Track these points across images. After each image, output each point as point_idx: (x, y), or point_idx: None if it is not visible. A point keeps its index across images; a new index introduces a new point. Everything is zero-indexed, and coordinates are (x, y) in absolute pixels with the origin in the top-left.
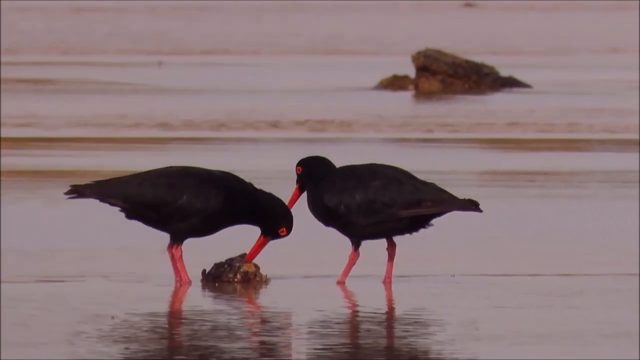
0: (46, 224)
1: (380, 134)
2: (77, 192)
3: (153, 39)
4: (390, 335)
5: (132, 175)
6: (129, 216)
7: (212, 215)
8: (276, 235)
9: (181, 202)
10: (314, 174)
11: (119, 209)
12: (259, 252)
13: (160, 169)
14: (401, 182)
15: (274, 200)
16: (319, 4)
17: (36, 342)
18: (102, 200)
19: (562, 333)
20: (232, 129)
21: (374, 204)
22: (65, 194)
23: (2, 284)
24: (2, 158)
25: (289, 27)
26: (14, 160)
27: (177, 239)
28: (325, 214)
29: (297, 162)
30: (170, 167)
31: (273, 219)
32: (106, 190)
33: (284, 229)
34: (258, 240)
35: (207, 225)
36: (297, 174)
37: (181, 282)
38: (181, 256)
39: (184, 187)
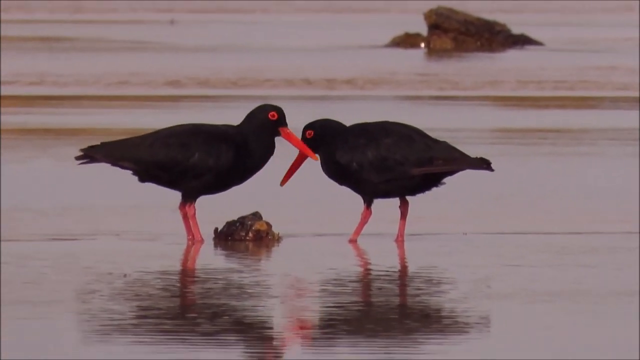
0: (57, 183)
1: (392, 91)
2: (88, 156)
3: None
4: (402, 293)
5: (142, 136)
6: (142, 179)
7: (224, 171)
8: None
9: (193, 160)
10: (327, 135)
11: (131, 172)
12: (303, 146)
13: (169, 128)
14: (413, 140)
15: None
16: None
17: (48, 300)
18: (114, 164)
19: (574, 291)
20: (243, 87)
21: (386, 161)
22: (76, 158)
23: (13, 243)
24: (13, 117)
25: None
26: (25, 118)
27: (190, 197)
28: (338, 172)
29: (304, 126)
30: (180, 125)
31: (254, 113)
32: (117, 153)
33: (273, 113)
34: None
35: (220, 182)
36: (306, 138)
37: (193, 240)
38: (194, 214)
39: (195, 145)
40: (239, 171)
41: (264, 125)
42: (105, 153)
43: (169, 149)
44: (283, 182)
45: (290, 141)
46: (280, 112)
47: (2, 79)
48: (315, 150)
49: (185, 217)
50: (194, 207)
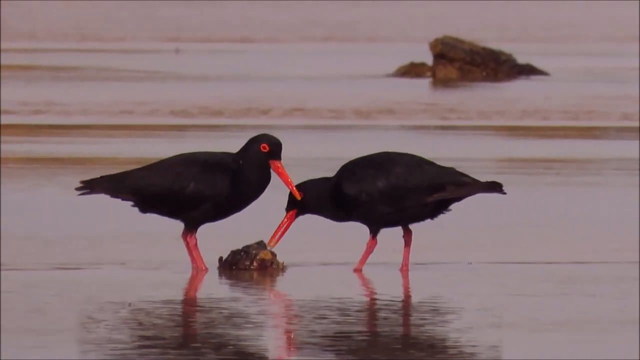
0: (62, 211)
1: (397, 121)
2: (88, 187)
3: (171, 25)
4: (407, 323)
5: (140, 168)
6: (142, 210)
7: (221, 200)
8: (293, 204)
9: (189, 190)
10: (314, 195)
11: (131, 203)
12: (290, 182)
13: (166, 159)
14: (422, 167)
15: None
16: None
17: (52, 329)
18: (113, 195)
19: (578, 320)
20: (249, 116)
21: (398, 190)
22: (76, 189)
23: (18, 271)
24: (19, 145)
25: (307, 14)
26: (31, 147)
27: (190, 227)
28: (345, 206)
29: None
30: (176, 155)
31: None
32: (115, 185)
33: (265, 145)
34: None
35: (219, 210)
36: (295, 200)
37: (197, 269)
38: (196, 244)
39: (191, 175)
40: (236, 199)
41: (257, 156)
42: (105, 185)
43: (165, 180)
44: (273, 243)
45: (278, 175)
46: (273, 144)
47: (8, 108)
48: (303, 211)
49: (188, 246)
50: (195, 237)
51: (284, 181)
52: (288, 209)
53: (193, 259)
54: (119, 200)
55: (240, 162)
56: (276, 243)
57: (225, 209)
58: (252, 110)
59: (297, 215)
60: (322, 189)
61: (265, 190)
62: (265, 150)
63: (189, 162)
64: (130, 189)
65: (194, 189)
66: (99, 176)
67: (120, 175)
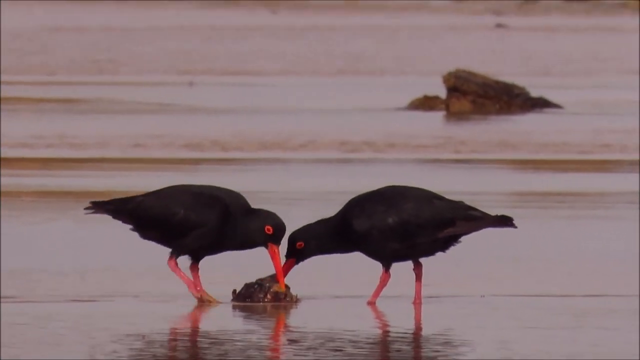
0: (76, 244)
1: (410, 154)
2: (94, 208)
3: (184, 58)
4: (420, 355)
5: (143, 194)
6: (142, 235)
7: (209, 232)
8: (292, 253)
9: (178, 218)
10: (321, 242)
11: (131, 227)
12: (280, 267)
13: (168, 187)
14: (432, 202)
15: (259, 210)
16: (349, 25)
17: None
18: (115, 217)
19: (593, 354)
20: (262, 150)
21: (409, 226)
22: (84, 209)
23: (32, 304)
24: (33, 179)
25: (320, 48)
26: (44, 180)
27: (175, 253)
28: (355, 241)
29: (291, 237)
30: (177, 185)
31: (256, 224)
32: (117, 207)
33: (269, 227)
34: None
35: (207, 240)
36: (295, 248)
37: (201, 298)
38: (176, 265)
39: (182, 203)
40: (226, 237)
41: (258, 233)
42: (108, 207)
43: (157, 206)
44: (283, 286)
45: (272, 259)
46: (277, 229)
47: (21, 141)
48: (303, 258)
49: (195, 276)
50: (175, 260)
51: (275, 267)
52: (287, 257)
53: (190, 285)
54: (121, 222)
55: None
56: (283, 285)
57: (214, 242)
58: (265, 143)
59: (296, 262)
60: (322, 231)
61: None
62: (269, 233)
63: (184, 191)
64: (129, 213)
65: (183, 216)
66: (108, 199)
67: (124, 200)
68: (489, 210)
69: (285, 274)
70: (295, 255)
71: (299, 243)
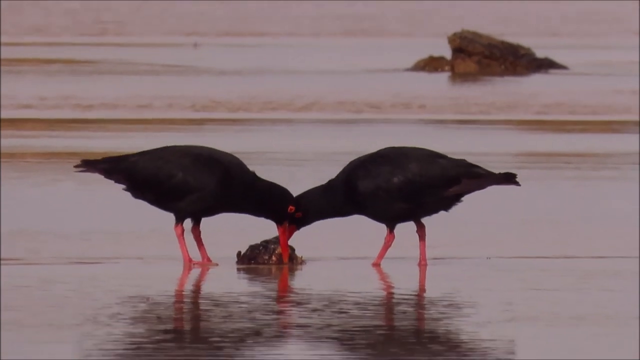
0: (80, 206)
1: (416, 115)
2: (85, 166)
3: (189, 20)
4: (425, 317)
5: (136, 153)
6: (134, 195)
7: (207, 195)
8: (292, 220)
9: (175, 180)
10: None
11: (123, 187)
12: (285, 243)
13: (162, 147)
14: (435, 161)
15: (274, 187)
16: None
17: (71, 323)
18: (107, 176)
19: (598, 315)
20: (267, 111)
21: (415, 185)
22: (74, 167)
23: (37, 266)
24: (37, 140)
25: (326, 9)
26: (49, 141)
27: (177, 218)
28: (360, 203)
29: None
30: (174, 146)
31: (277, 205)
32: (110, 166)
33: (292, 207)
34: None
35: (204, 206)
36: (295, 217)
37: (203, 263)
38: (182, 234)
39: (180, 165)
40: (223, 199)
41: (281, 210)
42: (100, 166)
43: (154, 167)
44: (285, 259)
45: (280, 235)
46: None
47: (26, 102)
48: (304, 225)
49: (197, 239)
50: (182, 227)
51: (281, 242)
52: (289, 224)
53: (202, 253)
54: (113, 182)
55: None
56: (287, 256)
57: (212, 206)
58: (269, 104)
59: (297, 229)
60: (321, 197)
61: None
62: (291, 212)
63: (182, 153)
64: (122, 172)
65: (181, 179)
66: (100, 158)
67: (117, 158)
68: (494, 171)
69: (285, 242)
70: (295, 222)
71: (297, 214)
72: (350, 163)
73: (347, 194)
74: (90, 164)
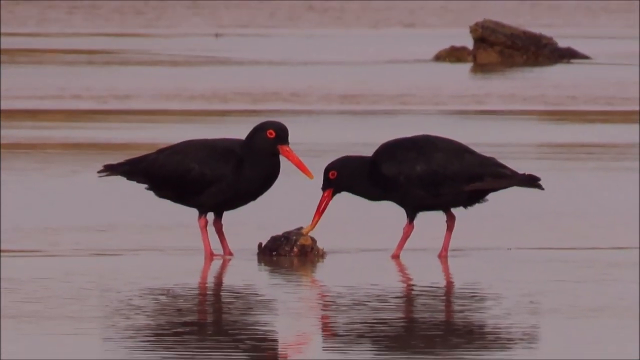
0: (101, 198)
1: (438, 106)
2: (108, 170)
3: (211, 10)
4: (446, 309)
5: (154, 152)
6: (157, 193)
7: (225, 187)
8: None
9: (193, 174)
10: (349, 173)
11: (145, 186)
12: (300, 164)
13: (178, 143)
14: (462, 156)
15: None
16: None
17: (91, 315)
18: (129, 178)
19: (619, 307)
20: (288, 102)
21: (436, 176)
22: (98, 172)
23: (57, 258)
24: (57, 131)
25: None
26: (68, 132)
27: (200, 212)
28: (382, 185)
29: (326, 168)
30: (188, 140)
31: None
32: (130, 168)
33: (271, 131)
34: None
35: (224, 195)
36: (330, 179)
37: (225, 255)
38: (205, 226)
39: (196, 158)
40: (243, 186)
41: (264, 144)
42: (122, 169)
43: (172, 163)
44: (310, 227)
45: (288, 159)
46: (279, 129)
47: (46, 93)
48: (338, 189)
49: (219, 232)
50: (205, 219)
51: (294, 163)
52: (324, 188)
53: (224, 245)
54: (135, 183)
55: (246, 150)
56: (314, 225)
57: (232, 195)
58: (291, 96)
59: (333, 193)
60: (358, 167)
61: (300, 178)
62: (272, 137)
63: (196, 146)
64: (142, 172)
65: (198, 172)
66: (122, 161)
67: (137, 159)
68: (515, 163)
69: (323, 208)
70: (331, 185)
71: (332, 172)
72: (383, 144)
73: (373, 175)
74: (112, 168)
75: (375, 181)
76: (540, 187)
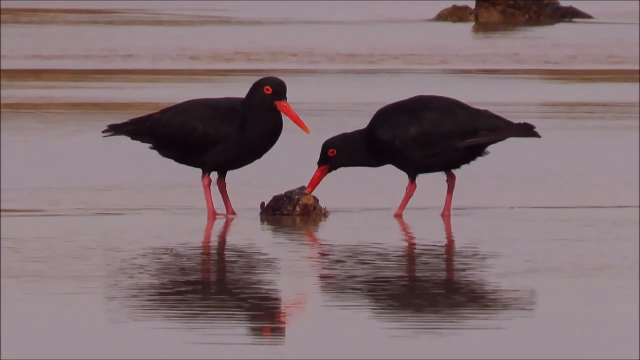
0: (105, 157)
1: (439, 65)
2: (112, 130)
3: None
4: (448, 268)
5: (158, 111)
6: (161, 153)
7: (229, 146)
8: (326, 160)
9: (196, 133)
10: (348, 149)
11: (149, 146)
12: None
13: (182, 102)
14: (455, 112)
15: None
16: None
17: (95, 275)
18: (133, 138)
19: (621, 265)
20: (291, 61)
21: (430, 136)
22: (102, 132)
23: (60, 217)
24: (60, 90)
25: None
26: (72, 92)
27: (203, 171)
28: (379, 150)
29: (324, 144)
30: (190, 100)
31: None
32: (135, 128)
33: (268, 87)
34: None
35: (228, 155)
36: (328, 156)
37: (228, 214)
38: (208, 185)
39: (200, 118)
40: (246, 144)
41: (262, 100)
42: (126, 129)
43: (177, 123)
44: (310, 189)
45: (286, 114)
46: (276, 85)
47: (49, 53)
48: (335, 166)
49: (222, 191)
50: (209, 178)
51: (292, 119)
52: (320, 164)
53: (227, 204)
54: (139, 142)
55: (246, 107)
56: (311, 190)
57: (236, 154)
58: (292, 55)
59: (329, 170)
60: (357, 142)
61: (302, 136)
62: (269, 92)
63: (200, 106)
64: (147, 132)
65: (201, 131)
66: (126, 120)
67: (141, 119)
68: (517, 122)
69: (318, 182)
70: (328, 162)
71: (331, 150)
72: (376, 112)
73: (370, 142)
74: (116, 128)
75: (373, 150)
76: (536, 134)
